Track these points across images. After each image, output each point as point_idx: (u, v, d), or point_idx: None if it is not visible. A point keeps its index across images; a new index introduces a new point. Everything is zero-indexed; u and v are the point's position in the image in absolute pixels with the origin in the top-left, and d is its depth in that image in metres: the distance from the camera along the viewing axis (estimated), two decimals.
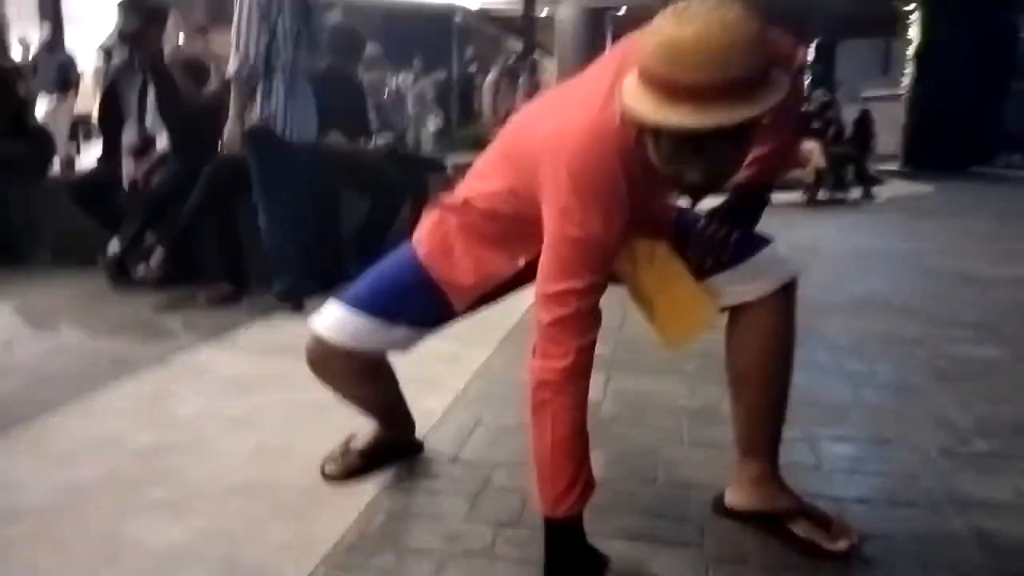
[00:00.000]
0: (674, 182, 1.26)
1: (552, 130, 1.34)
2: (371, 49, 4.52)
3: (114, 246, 3.69)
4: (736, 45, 1.10)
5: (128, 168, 3.79)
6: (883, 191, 9.12)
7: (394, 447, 1.88)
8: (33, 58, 9.44)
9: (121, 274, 3.66)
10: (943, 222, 6.70)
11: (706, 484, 1.73)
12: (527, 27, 11.56)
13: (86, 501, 1.69)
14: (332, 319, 1.62)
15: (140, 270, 3.60)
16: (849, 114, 22.44)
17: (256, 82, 3.10)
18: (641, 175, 1.30)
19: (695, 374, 2.47)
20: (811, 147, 7.87)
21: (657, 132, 1.19)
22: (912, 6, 15.69)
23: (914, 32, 15.81)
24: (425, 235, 1.61)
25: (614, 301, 1.50)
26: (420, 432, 1.99)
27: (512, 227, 1.48)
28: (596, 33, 16.57)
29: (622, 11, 16.97)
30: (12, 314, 3.22)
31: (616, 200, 1.30)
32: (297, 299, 3.29)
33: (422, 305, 1.59)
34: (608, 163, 1.28)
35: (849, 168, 8.62)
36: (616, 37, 18.74)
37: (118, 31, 3.81)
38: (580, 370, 1.34)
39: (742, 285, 1.50)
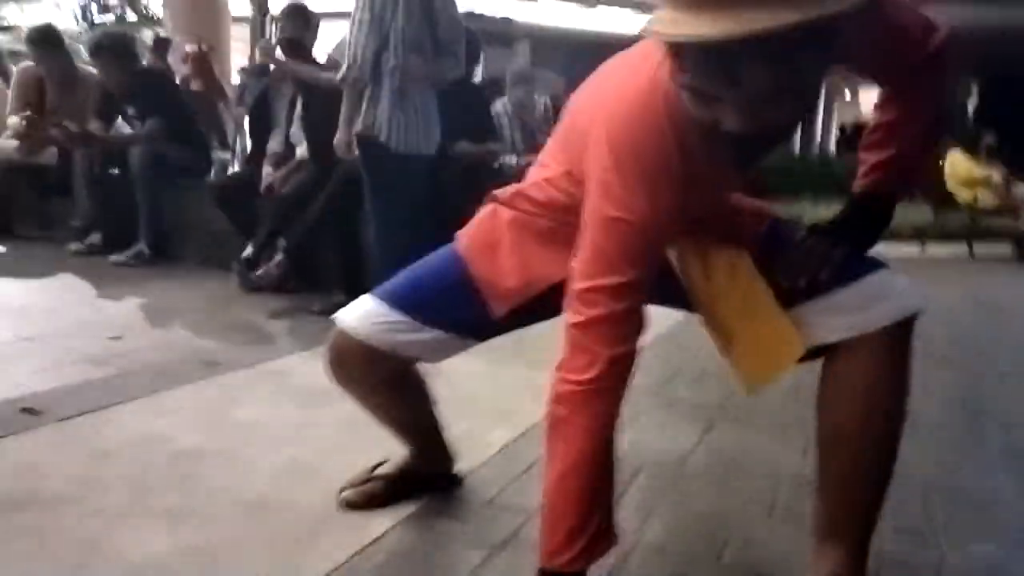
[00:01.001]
0: (715, 135, 0.96)
1: (601, 95, 1.13)
2: (521, 65, 4.39)
3: (248, 250, 3.77)
4: None
5: (267, 173, 3.88)
6: None
7: (425, 478, 1.67)
8: (241, 83, 10.24)
9: (249, 277, 3.73)
10: None
11: (784, 571, 1.38)
12: None
13: (94, 499, 1.60)
14: (358, 312, 1.44)
15: (259, 272, 3.64)
16: None
17: (363, 87, 3.02)
18: (701, 148, 1.04)
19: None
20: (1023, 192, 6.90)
21: (682, 60, 0.93)
22: None
23: None
24: (472, 229, 1.41)
25: None
26: (470, 465, 1.77)
27: (567, 220, 1.22)
28: None
29: None
30: (136, 309, 3.34)
31: (666, 177, 1.05)
32: None
33: (456, 306, 1.37)
34: (656, 130, 1.04)
35: None
36: None
37: (280, 37, 3.90)
38: (607, 385, 1.09)
39: (841, 317, 1.17)
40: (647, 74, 1.06)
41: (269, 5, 10.35)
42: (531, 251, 1.31)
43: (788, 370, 1.19)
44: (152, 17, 15.59)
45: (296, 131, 3.94)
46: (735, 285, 1.23)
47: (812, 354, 1.23)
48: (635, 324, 1.11)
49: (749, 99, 0.90)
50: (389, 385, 1.51)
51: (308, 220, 3.56)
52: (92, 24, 15.30)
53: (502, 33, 16.13)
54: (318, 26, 4.02)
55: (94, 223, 4.47)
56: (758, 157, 1.09)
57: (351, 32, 3.00)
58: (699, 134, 1.01)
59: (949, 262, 6.52)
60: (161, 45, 9.88)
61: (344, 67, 3.02)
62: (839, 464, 1.22)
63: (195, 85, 7.99)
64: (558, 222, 1.27)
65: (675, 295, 1.28)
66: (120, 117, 4.56)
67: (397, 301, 1.39)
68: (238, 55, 14.27)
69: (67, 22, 14.98)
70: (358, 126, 3.07)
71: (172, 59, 9.65)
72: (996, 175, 7.03)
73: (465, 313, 1.37)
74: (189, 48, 9.56)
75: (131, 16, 16.61)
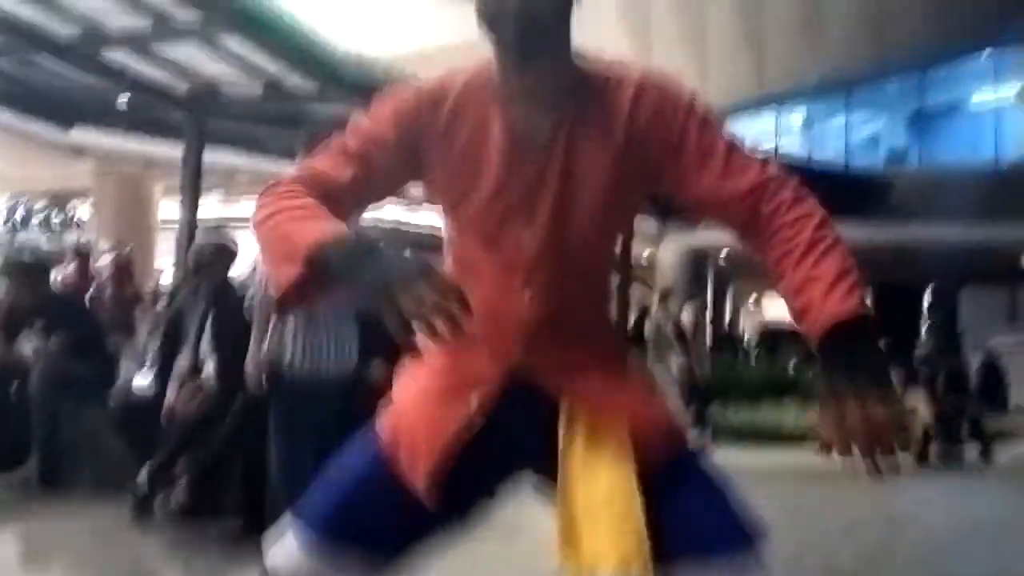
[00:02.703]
0: (493, 26, 1.18)
1: None
2: None
3: (143, 475, 3.63)
4: None
5: (170, 395, 3.83)
6: (1011, 452, 8.23)
7: None
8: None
9: (144, 505, 3.57)
10: None
11: None
12: (624, 264, 11.93)
13: None
14: (285, 549, 1.33)
15: (161, 501, 3.51)
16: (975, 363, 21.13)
17: (271, 310, 3.06)
18: (506, 123, 1.22)
19: None
20: (915, 400, 7.27)
21: None
22: None
23: None
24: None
25: None
26: None
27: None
28: (699, 273, 16.86)
29: (724, 253, 17.24)
30: (15, 543, 3.14)
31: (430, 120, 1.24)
32: None
33: (382, 508, 1.28)
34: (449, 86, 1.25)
35: (964, 423, 7.83)
36: (718, 278, 18.99)
37: (194, 262, 4.02)
38: (291, 189, 1.23)
39: None
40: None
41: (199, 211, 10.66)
42: (429, 402, 1.29)
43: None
44: (77, 222, 15.81)
45: (205, 347, 3.93)
46: (607, 481, 1.19)
47: None
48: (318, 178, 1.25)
49: None
50: None
51: (215, 444, 3.49)
52: (15, 227, 15.39)
53: (432, 240, 16.72)
54: (233, 256, 4.15)
55: None
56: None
57: (260, 256, 3.13)
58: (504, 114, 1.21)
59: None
60: (82, 252, 9.91)
61: (253, 291, 3.11)
62: None
63: (113, 290, 8.07)
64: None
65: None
66: (24, 331, 4.48)
67: (321, 527, 1.30)
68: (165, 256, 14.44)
69: None
70: (267, 355, 3.11)
71: (93, 266, 9.70)
72: None
73: (393, 514, 1.28)
74: (110, 253, 9.66)
75: (56, 219, 16.79)
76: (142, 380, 4.41)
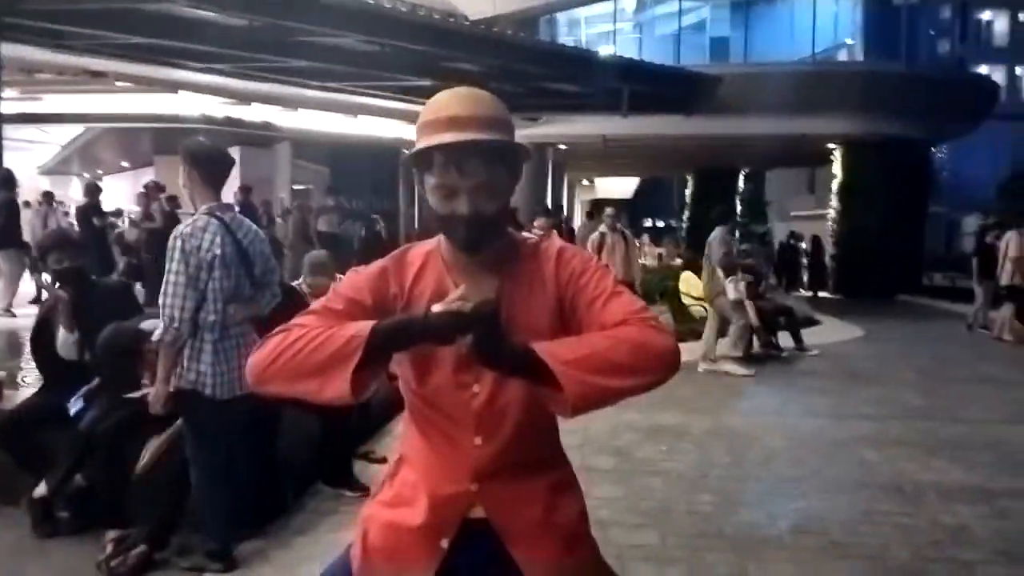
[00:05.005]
0: (448, 224, 1.43)
1: None
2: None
3: (41, 489, 3.54)
4: (483, 97, 1.45)
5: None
6: (816, 335, 9.47)
7: None
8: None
9: (46, 519, 3.51)
10: (875, 390, 6.88)
11: None
12: None
13: None
14: None
15: (64, 516, 3.47)
16: (779, 231, 23.49)
17: (182, 345, 3.08)
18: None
19: None
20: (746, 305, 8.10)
21: (432, 167, 1.41)
22: (834, 146, 16.72)
23: (836, 168, 16.78)
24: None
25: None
26: None
27: None
28: (538, 167, 17.19)
29: (563, 146, 17.66)
30: None
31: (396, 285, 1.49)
32: (227, 557, 3.19)
33: None
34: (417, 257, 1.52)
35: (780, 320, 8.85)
36: (556, 170, 19.49)
37: (53, 270, 3.81)
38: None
39: None
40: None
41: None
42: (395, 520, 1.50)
43: None
44: None
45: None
46: None
47: None
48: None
49: (471, 187, 1.39)
50: None
51: (112, 457, 3.44)
52: None
53: (262, 136, 16.11)
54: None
55: None
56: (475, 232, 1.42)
57: (166, 293, 3.03)
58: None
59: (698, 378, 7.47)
60: None
61: (161, 328, 3.04)
62: None
63: None
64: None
65: None
66: None
67: None
68: None
69: None
70: (180, 381, 3.10)
71: None
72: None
73: None
74: None
75: None
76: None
